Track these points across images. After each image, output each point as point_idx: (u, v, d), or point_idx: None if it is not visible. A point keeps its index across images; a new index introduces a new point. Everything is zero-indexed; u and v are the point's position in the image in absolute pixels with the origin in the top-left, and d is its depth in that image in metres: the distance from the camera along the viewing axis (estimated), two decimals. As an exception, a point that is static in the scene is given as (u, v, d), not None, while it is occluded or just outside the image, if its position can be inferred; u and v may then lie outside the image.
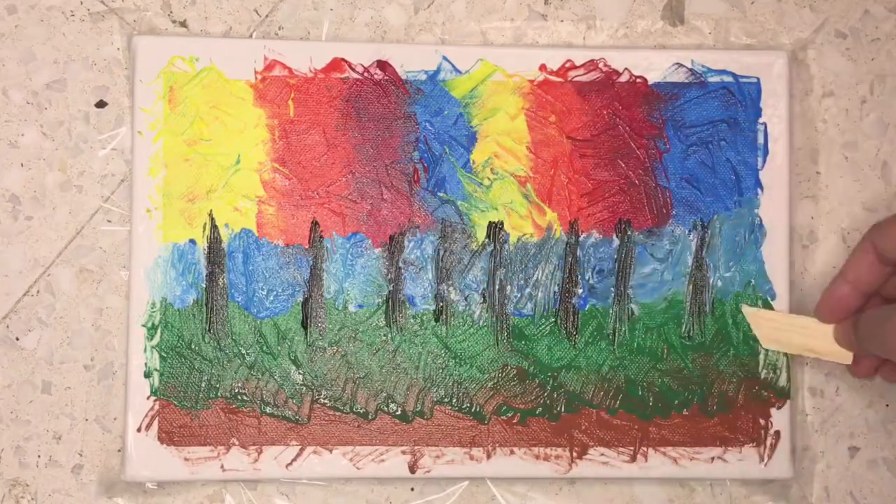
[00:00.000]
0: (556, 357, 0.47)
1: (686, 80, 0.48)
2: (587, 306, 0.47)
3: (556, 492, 0.48)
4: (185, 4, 0.48)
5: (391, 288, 0.47)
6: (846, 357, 0.45)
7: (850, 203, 0.49)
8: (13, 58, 0.48)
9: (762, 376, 0.47)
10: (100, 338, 0.47)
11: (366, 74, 0.47)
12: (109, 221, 0.48)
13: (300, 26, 0.49)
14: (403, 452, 0.47)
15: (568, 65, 0.48)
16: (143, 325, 0.46)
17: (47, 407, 0.47)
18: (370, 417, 0.47)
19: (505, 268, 0.47)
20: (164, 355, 0.46)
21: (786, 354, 0.47)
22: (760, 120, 0.48)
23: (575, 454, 0.47)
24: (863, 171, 0.49)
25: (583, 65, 0.48)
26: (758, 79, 0.48)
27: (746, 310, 0.47)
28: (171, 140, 0.47)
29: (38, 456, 0.47)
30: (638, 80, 0.48)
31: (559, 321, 0.47)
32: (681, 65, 0.48)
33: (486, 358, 0.47)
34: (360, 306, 0.47)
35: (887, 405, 0.49)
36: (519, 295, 0.47)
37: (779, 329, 0.46)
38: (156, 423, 0.46)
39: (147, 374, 0.46)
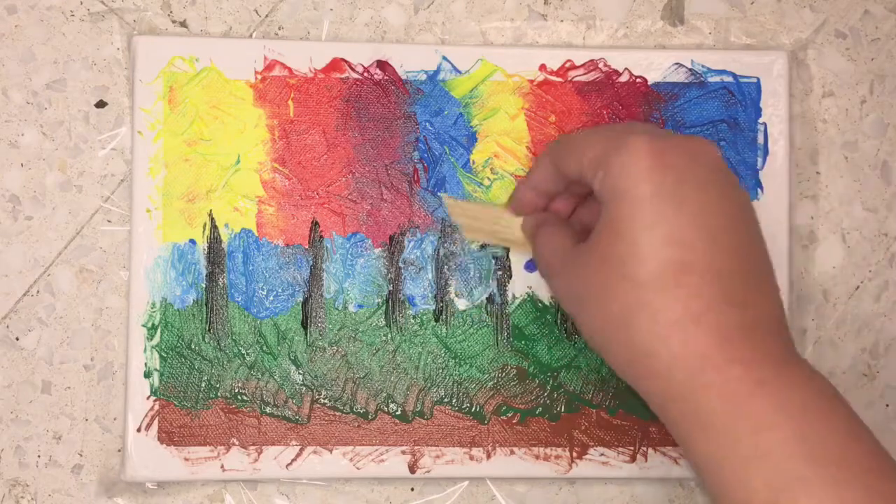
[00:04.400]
0: (556, 357, 0.47)
1: (686, 80, 0.48)
2: (587, 306, 0.47)
3: (556, 492, 0.48)
4: (185, 4, 0.48)
5: (391, 288, 0.47)
6: (529, 249, 0.45)
7: (850, 203, 0.49)
8: (13, 58, 0.48)
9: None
10: (100, 338, 0.47)
11: (366, 74, 0.47)
12: (109, 221, 0.48)
13: (300, 26, 0.49)
14: (403, 452, 0.47)
15: (568, 65, 0.48)
16: (143, 326, 0.46)
17: (47, 407, 0.47)
18: (370, 417, 0.47)
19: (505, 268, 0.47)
20: (164, 355, 0.46)
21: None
22: (760, 120, 0.48)
23: (575, 454, 0.47)
24: (863, 171, 0.49)
25: (583, 65, 0.48)
26: (758, 79, 0.48)
27: (446, 200, 0.47)
28: (171, 140, 0.47)
29: (38, 456, 0.47)
30: (638, 80, 0.48)
31: (558, 321, 0.47)
32: (681, 65, 0.48)
33: (486, 358, 0.47)
34: (360, 306, 0.47)
35: (887, 405, 0.49)
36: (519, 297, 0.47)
37: (476, 219, 0.46)
38: (156, 423, 0.46)
39: (147, 374, 0.46)
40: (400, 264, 0.47)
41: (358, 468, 0.46)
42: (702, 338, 0.37)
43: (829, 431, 0.36)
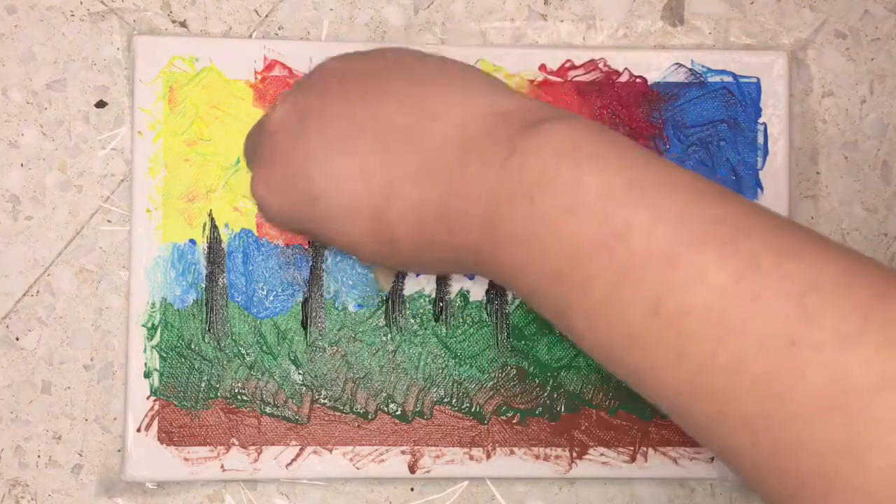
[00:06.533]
0: (556, 357, 0.47)
1: (686, 80, 0.48)
2: (587, 306, 0.47)
3: (556, 492, 0.48)
4: (185, 4, 0.48)
5: (391, 288, 0.47)
6: None
7: (850, 203, 0.49)
8: (13, 58, 0.48)
9: (762, 376, 0.47)
10: (100, 338, 0.47)
11: (366, 74, 0.47)
12: (109, 221, 0.48)
13: (300, 26, 0.49)
14: (403, 452, 0.47)
15: (568, 65, 0.48)
16: (143, 325, 0.46)
17: (47, 407, 0.47)
18: (370, 417, 0.47)
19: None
20: (164, 355, 0.46)
21: None
22: (760, 120, 0.48)
23: (575, 454, 0.47)
24: (863, 171, 0.49)
25: (583, 65, 0.48)
26: (758, 79, 0.48)
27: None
28: (171, 140, 0.47)
29: (38, 456, 0.47)
30: (638, 80, 0.48)
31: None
32: (681, 65, 0.48)
33: (486, 358, 0.47)
34: (360, 306, 0.47)
35: (887, 405, 0.49)
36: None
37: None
38: (156, 423, 0.46)
39: (147, 374, 0.46)
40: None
41: (358, 468, 0.46)
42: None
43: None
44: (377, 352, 0.47)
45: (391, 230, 0.37)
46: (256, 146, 0.40)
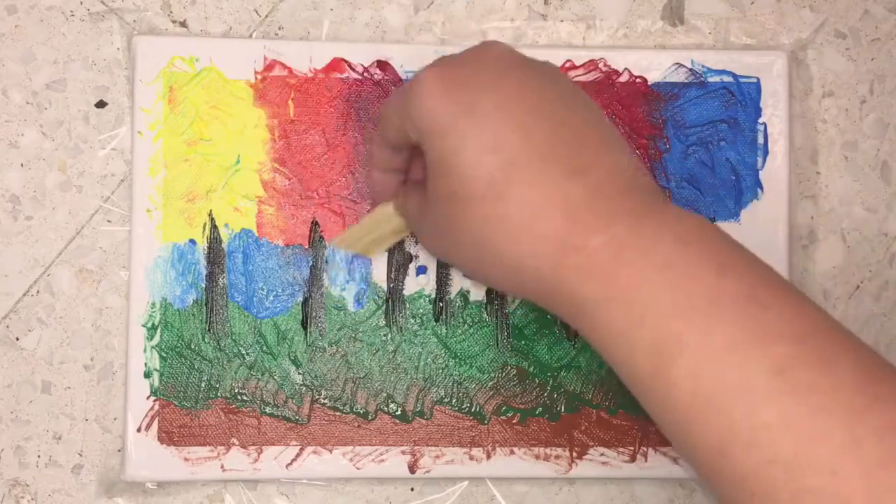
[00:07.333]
0: (556, 357, 0.47)
1: (686, 80, 0.48)
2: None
3: (556, 492, 0.48)
4: (185, 4, 0.48)
5: (391, 287, 0.47)
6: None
7: (850, 203, 0.49)
8: (13, 58, 0.48)
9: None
10: (100, 338, 0.47)
11: (366, 74, 0.47)
12: (109, 221, 0.48)
13: (300, 26, 0.49)
14: (403, 452, 0.47)
15: (568, 65, 0.48)
16: (143, 326, 0.46)
17: (47, 407, 0.47)
18: (370, 417, 0.47)
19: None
20: (164, 355, 0.46)
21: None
22: (760, 120, 0.48)
23: (575, 454, 0.47)
24: (863, 171, 0.49)
25: (583, 65, 0.48)
26: (758, 79, 0.48)
27: (336, 243, 0.46)
28: (171, 140, 0.47)
29: (38, 456, 0.47)
30: (638, 80, 0.48)
31: (558, 321, 0.47)
32: (681, 65, 0.48)
33: (486, 358, 0.47)
34: (360, 304, 0.47)
35: (887, 405, 0.49)
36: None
37: (367, 234, 0.45)
38: (156, 423, 0.46)
39: (147, 375, 0.46)
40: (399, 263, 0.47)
41: (358, 468, 0.46)
42: (551, 225, 0.36)
43: (698, 275, 0.34)
44: (377, 352, 0.47)
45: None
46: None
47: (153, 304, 0.46)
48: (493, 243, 0.37)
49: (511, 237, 0.36)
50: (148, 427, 0.46)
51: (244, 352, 0.47)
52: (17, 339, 0.47)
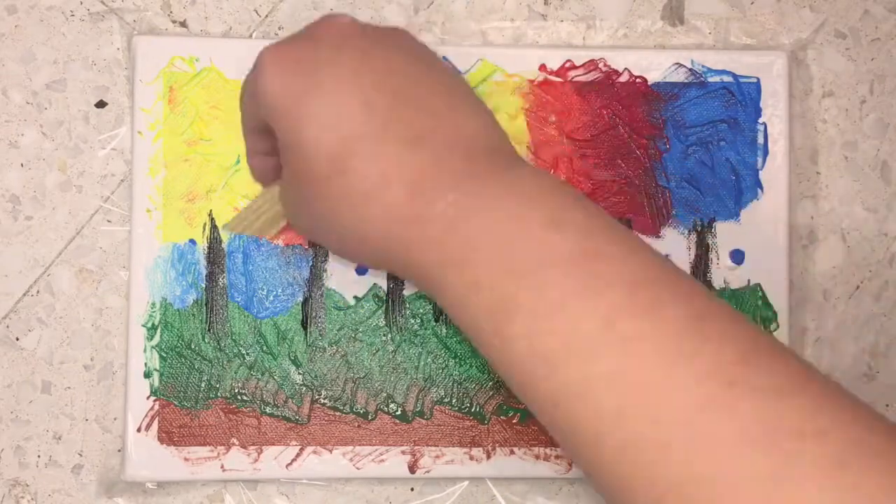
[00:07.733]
0: (556, 357, 0.47)
1: (686, 80, 0.48)
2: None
3: (556, 492, 0.48)
4: (185, 4, 0.48)
5: (391, 287, 0.47)
6: None
7: (850, 203, 0.49)
8: (13, 58, 0.48)
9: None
10: (100, 338, 0.47)
11: (366, 74, 0.47)
12: (109, 221, 0.48)
13: (300, 26, 0.48)
14: (403, 452, 0.47)
15: (568, 65, 0.48)
16: (143, 326, 0.46)
17: (47, 407, 0.47)
18: (370, 417, 0.47)
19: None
20: (164, 355, 0.46)
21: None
22: (760, 120, 0.48)
23: (575, 454, 0.47)
24: (863, 171, 0.49)
25: (583, 65, 0.48)
26: (758, 79, 0.48)
27: (229, 227, 0.46)
28: (171, 140, 0.47)
29: (38, 456, 0.47)
30: (638, 80, 0.48)
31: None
32: (681, 65, 0.48)
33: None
34: (360, 305, 0.47)
35: (887, 405, 0.49)
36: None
37: (257, 216, 0.45)
38: (156, 423, 0.46)
39: (147, 375, 0.46)
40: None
41: (358, 468, 0.46)
42: (392, 197, 0.36)
43: (529, 233, 0.34)
44: (377, 352, 0.47)
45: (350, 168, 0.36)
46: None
47: (153, 304, 0.46)
48: (341, 220, 0.37)
49: (357, 214, 0.36)
50: (148, 427, 0.46)
51: (244, 352, 0.47)
52: (17, 339, 0.47)
